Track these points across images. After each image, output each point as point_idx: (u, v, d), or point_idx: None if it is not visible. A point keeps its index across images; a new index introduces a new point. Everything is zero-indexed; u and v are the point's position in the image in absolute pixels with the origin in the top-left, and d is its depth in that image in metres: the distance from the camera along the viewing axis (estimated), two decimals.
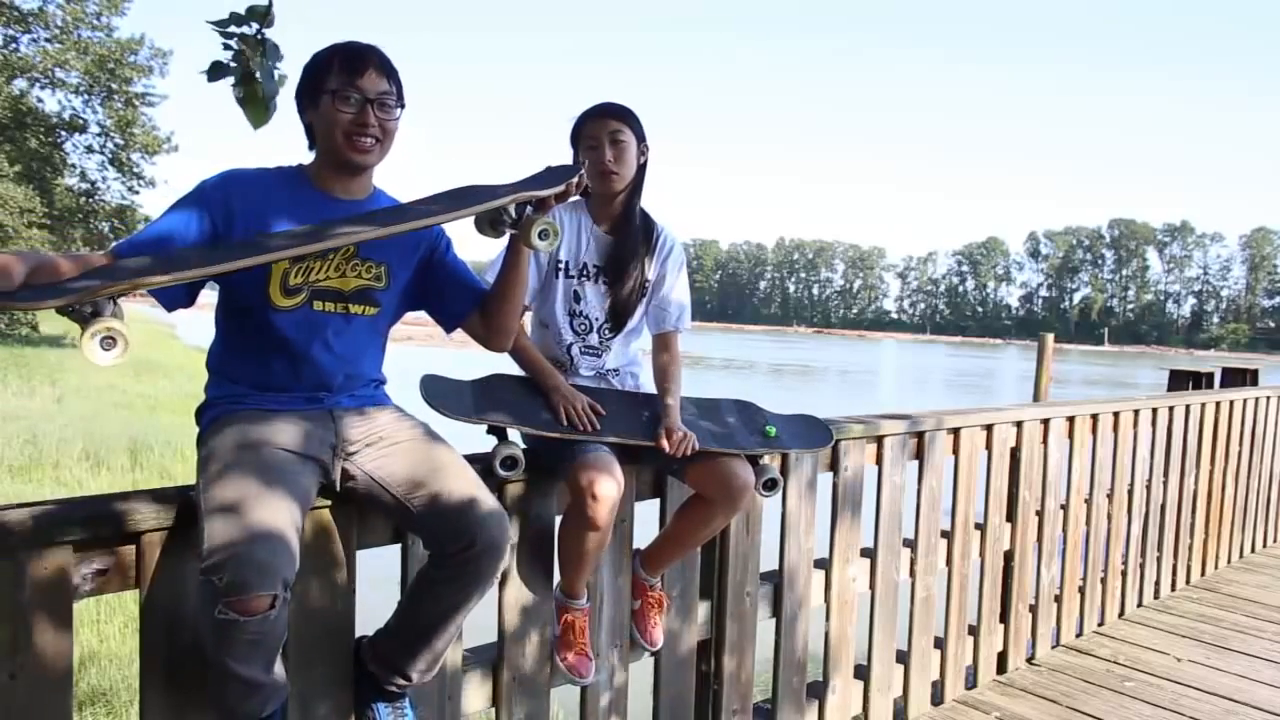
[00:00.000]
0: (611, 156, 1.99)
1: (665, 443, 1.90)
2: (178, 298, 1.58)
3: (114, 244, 1.56)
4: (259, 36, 2.02)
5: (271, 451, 1.47)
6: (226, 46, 2.02)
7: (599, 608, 2.03)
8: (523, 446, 1.84)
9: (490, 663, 1.88)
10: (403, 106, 1.66)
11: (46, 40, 23.36)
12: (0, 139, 22.61)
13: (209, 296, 1.69)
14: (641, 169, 2.07)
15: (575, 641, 1.96)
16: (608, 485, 1.78)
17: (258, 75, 2.03)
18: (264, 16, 2.01)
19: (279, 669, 1.43)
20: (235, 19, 2.01)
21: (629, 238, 2.07)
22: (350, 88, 1.59)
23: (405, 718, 1.67)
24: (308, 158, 1.70)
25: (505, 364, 2.17)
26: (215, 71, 2.02)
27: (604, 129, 2.00)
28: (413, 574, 1.68)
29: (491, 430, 1.87)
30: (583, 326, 2.09)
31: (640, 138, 2.05)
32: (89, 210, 26.53)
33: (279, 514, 1.35)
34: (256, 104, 2.06)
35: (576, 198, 2.10)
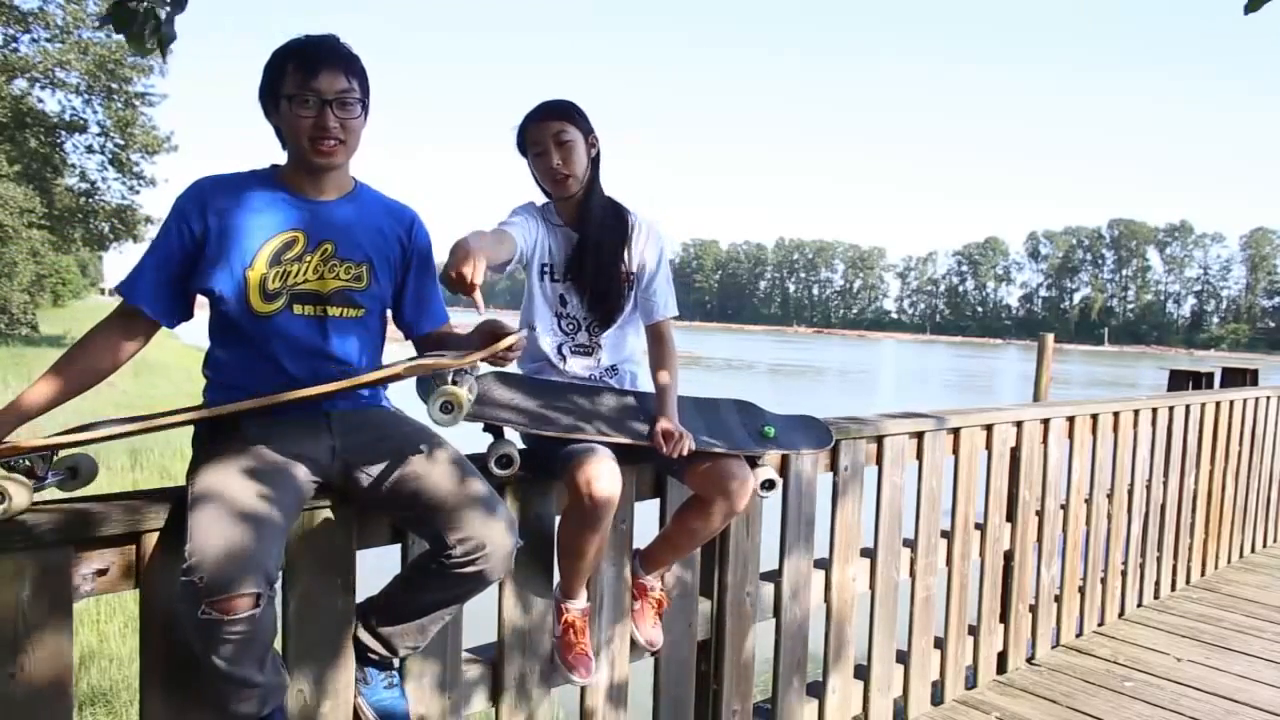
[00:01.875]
0: (559, 160, 1.97)
1: (661, 443, 1.90)
2: (174, 313, 1.60)
3: (118, 285, 1.58)
4: None
5: (261, 453, 1.47)
6: None
7: (599, 608, 2.03)
8: (520, 445, 1.84)
9: (490, 663, 1.88)
10: (366, 102, 1.63)
11: (47, 40, 23.35)
12: (0, 139, 22.59)
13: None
14: (595, 161, 2.04)
15: (575, 641, 1.95)
16: (606, 485, 1.78)
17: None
18: None
19: (275, 667, 1.42)
20: None
21: (594, 231, 2.04)
22: (306, 90, 1.54)
23: (394, 683, 1.67)
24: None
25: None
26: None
27: (547, 132, 1.97)
28: None
29: (488, 428, 1.87)
30: (570, 326, 2.08)
31: (587, 131, 2.02)
32: (89, 210, 26.52)
33: (262, 514, 1.35)
34: (137, 40, 2.10)
35: (545, 200, 2.09)
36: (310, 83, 1.54)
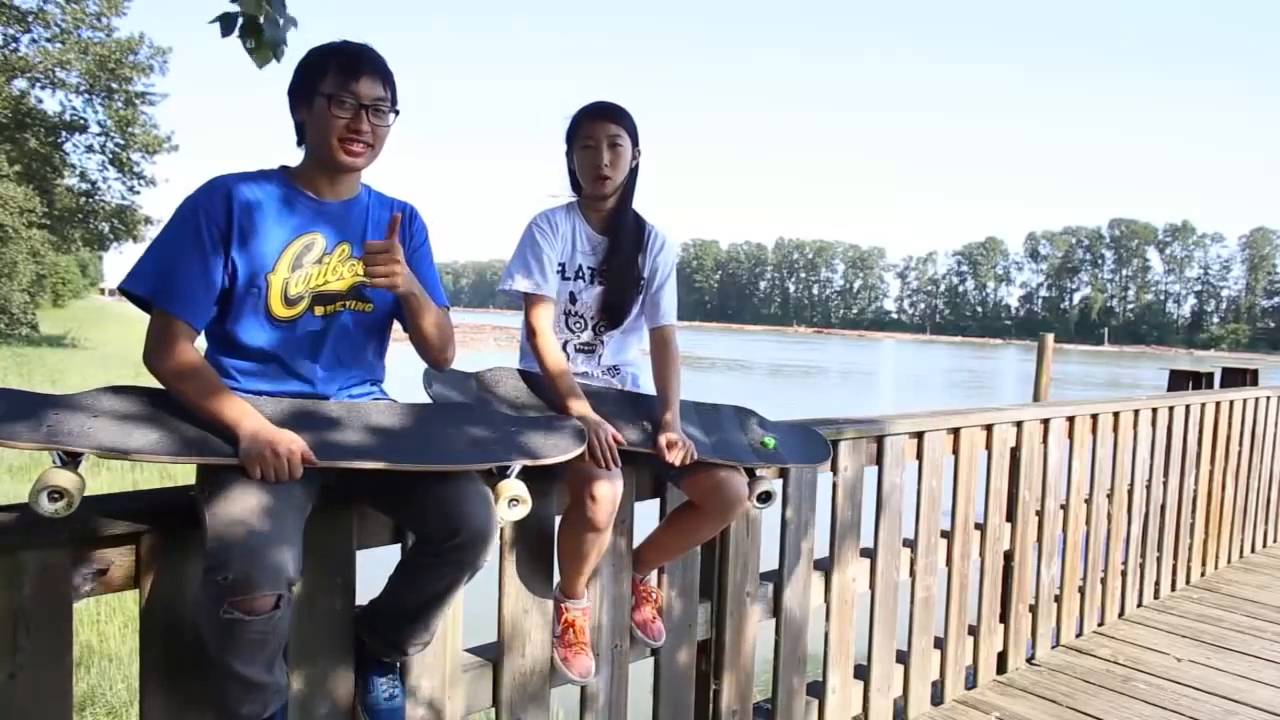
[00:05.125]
0: (608, 161, 2.00)
1: (665, 452, 1.90)
2: (205, 318, 1.55)
3: (125, 282, 1.52)
4: None
5: None
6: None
7: (599, 608, 2.03)
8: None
9: (490, 663, 1.88)
10: (397, 113, 1.65)
11: (47, 40, 23.34)
12: (0, 139, 22.58)
13: None
14: (633, 171, 2.08)
15: (575, 641, 1.96)
16: (607, 486, 1.78)
17: (262, 20, 2.18)
18: None
19: (280, 670, 1.42)
20: None
21: (622, 238, 2.08)
22: (346, 92, 1.56)
23: (396, 688, 1.67)
24: (293, 157, 1.68)
25: (509, 358, 2.17)
26: (226, 23, 2.14)
27: (603, 132, 2.00)
28: None
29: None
30: (578, 325, 2.10)
31: (635, 141, 2.06)
32: (89, 210, 26.54)
33: (283, 514, 1.35)
34: (262, 48, 2.17)
35: (572, 199, 2.11)
36: (351, 85, 1.57)
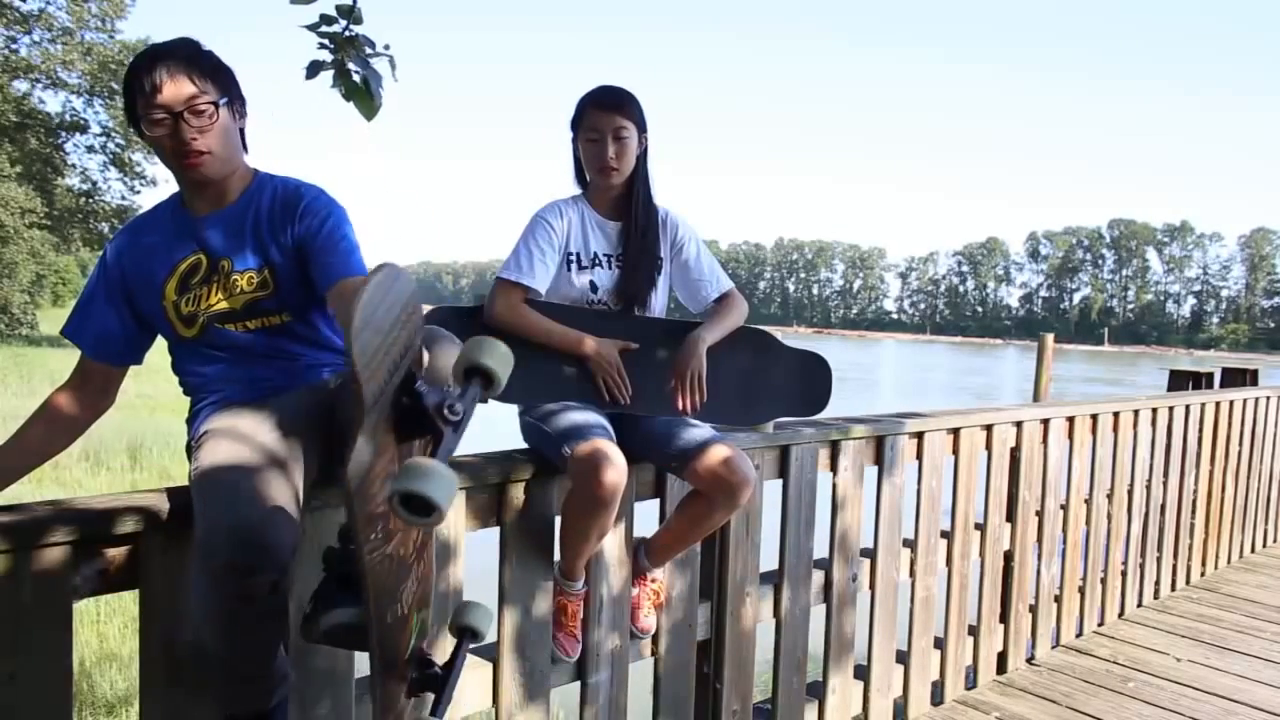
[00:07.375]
0: (614, 153, 1.98)
1: (675, 385, 1.94)
2: (126, 356, 1.65)
3: (63, 328, 1.63)
4: (347, 34, 2.05)
5: (266, 430, 1.41)
6: (321, 46, 2.06)
7: (599, 607, 2.03)
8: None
9: (490, 663, 1.88)
10: (230, 101, 1.53)
11: (49, 42, 23.35)
12: (1, 139, 22.58)
13: None
14: (642, 156, 2.07)
15: (566, 624, 1.96)
16: (611, 470, 1.75)
17: (352, 69, 2.09)
18: (350, 13, 2.04)
19: (282, 658, 1.40)
20: (325, 20, 2.05)
21: (634, 220, 2.07)
22: (152, 108, 1.46)
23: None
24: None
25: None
26: (313, 69, 2.09)
27: (608, 125, 1.98)
28: None
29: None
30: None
31: (642, 129, 2.04)
32: (89, 210, 26.54)
33: (277, 492, 1.29)
34: (361, 97, 2.10)
35: (578, 191, 2.11)
36: (155, 98, 1.46)
